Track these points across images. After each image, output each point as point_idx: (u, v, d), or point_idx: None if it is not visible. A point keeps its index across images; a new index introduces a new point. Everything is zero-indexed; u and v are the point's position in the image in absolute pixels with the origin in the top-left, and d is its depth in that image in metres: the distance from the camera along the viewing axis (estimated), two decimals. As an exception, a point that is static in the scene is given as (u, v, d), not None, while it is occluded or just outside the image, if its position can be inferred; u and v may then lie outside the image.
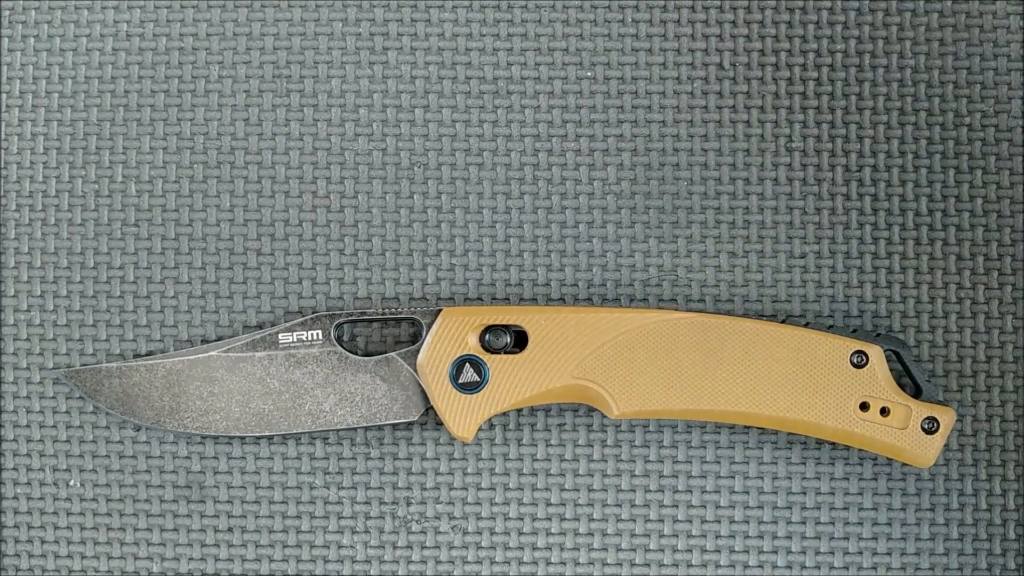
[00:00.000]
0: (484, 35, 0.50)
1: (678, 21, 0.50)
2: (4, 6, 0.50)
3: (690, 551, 0.49)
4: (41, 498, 0.49)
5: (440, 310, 0.47)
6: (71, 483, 0.49)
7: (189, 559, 0.49)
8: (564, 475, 0.49)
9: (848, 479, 0.49)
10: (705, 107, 0.50)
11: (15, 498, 0.49)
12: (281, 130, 0.50)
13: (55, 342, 0.49)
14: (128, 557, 0.49)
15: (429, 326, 0.47)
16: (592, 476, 0.49)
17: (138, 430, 0.49)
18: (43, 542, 0.49)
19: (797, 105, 0.50)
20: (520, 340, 0.46)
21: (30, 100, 0.50)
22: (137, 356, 0.49)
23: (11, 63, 0.50)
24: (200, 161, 0.50)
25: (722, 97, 0.50)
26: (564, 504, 0.49)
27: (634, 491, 0.49)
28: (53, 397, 0.49)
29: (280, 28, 0.50)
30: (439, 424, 0.48)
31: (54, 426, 0.49)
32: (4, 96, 0.50)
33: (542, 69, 0.50)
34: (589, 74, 0.50)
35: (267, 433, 0.48)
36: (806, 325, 0.47)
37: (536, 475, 0.49)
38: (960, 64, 0.50)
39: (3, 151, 0.50)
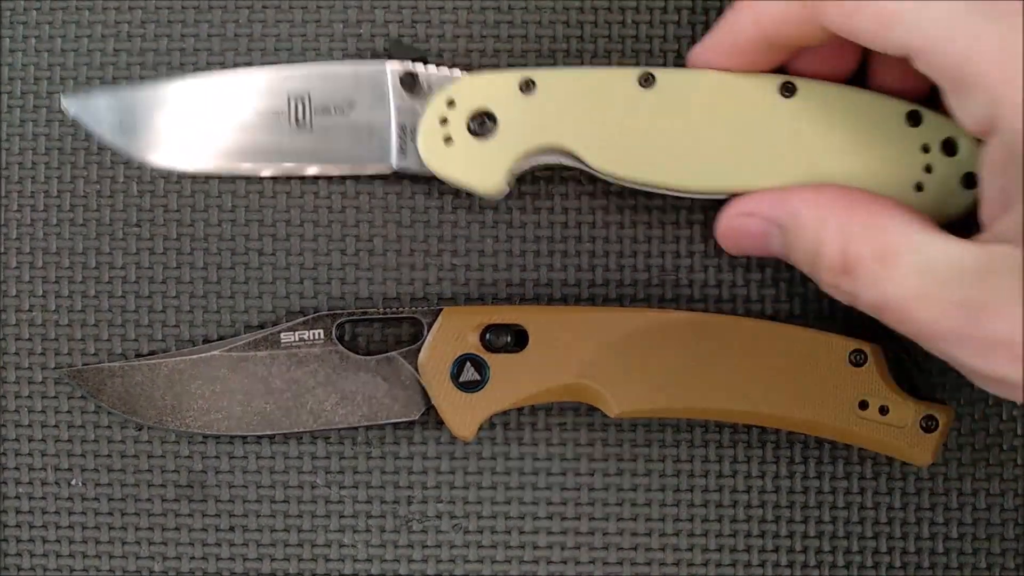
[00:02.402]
0: (484, 36, 0.50)
1: (678, 23, 0.50)
2: (4, 6, 0.50)
3: (691, 550, 0.49)
4: (43, 498, 0.49)
5: (441, 310, 0.47)
6: (73, 483, 0.49)
7: (191, 558, 0.49)
8: (565, 474, 0.49)
9: (848, 478, 0.49)
10: (705, 108, 0.50)
11: (17, 497, 0.49)
12: (282, 130, 0.50)
13: (57, 342, 0.49)
14: (130, 556, 0.49)
15: (430, 326, 0.47)
16: (593, 475, 0.49)
17: (140, 429, 0.49)
18: (45, 541, 0.49)
19: (796, 106, 0.50)
20: (521, 339, 0.47)
21: (31, 100, 0.50)
22: (139, 356, 0.49)
23: (11, 63, 0.50)
24: (201, 161, 0.50)
25: (722, 98, 0.50)
26: (565, 503, 0.49)
27: (635, 490, 0.49)
28: (55, 397, 0.49)
29: (281, 29, 0.50)
30: (440, 423, 0.48)
31: (56, 426, 0.49)
32: (5, 96, 0.50)
33: (542, 70, 0.50)
34: (589, 75, 0.50)
35: (269, 432, 0.48)
36: (806, 325, 0.47)
37: (537, 474, 0.49)
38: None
39: (4, 151, 0.50)
